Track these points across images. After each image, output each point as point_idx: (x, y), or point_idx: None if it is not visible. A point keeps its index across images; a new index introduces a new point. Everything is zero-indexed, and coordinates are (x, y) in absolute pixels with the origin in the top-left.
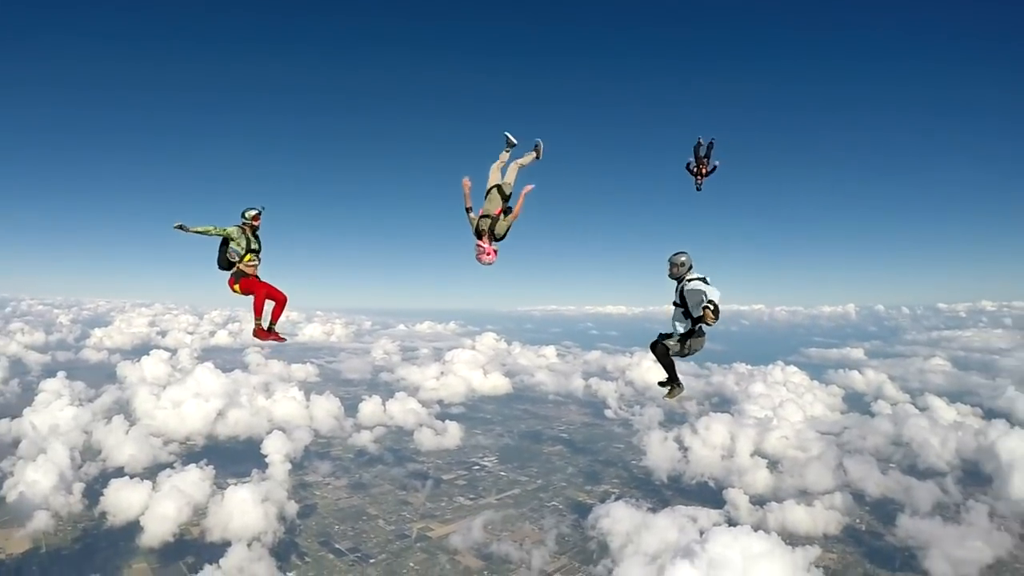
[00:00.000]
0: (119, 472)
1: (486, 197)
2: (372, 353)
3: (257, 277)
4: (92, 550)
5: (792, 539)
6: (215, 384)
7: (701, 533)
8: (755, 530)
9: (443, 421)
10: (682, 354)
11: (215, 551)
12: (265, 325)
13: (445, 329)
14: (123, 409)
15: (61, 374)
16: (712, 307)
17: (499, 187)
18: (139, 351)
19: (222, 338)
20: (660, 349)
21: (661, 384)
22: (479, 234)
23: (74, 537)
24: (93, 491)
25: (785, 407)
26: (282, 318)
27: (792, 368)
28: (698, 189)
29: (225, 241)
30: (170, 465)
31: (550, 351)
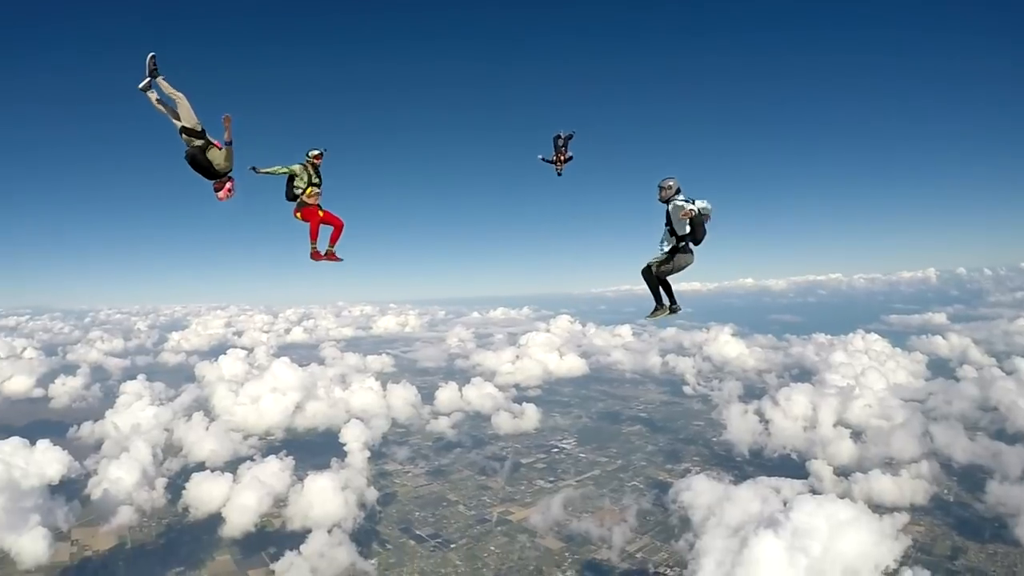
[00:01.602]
0: (200, 467)
1: (226, 148)
2: (447, 341)
3: (319, 207)
4: (176, 544)
5: (878, 510)
6: (292, 378)
7: (785, 503)
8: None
9: (520, 404)
10: (670, 270)
11: (296, 540)
12: (323, 249)
13: (519, 314)
14: (202, 407)
15: (141, 377)
16: (693, 211)
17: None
18: (216, 351)
19: (297, 335)
20: (646, 270)
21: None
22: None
23: (158, 532)
24: (175, 486)
25: (867, 375)
26: (338, 246)
27: (873, 336)
28: (559, 174)
29: (291, 178)
30: (250, 458)
31: (625, 330)
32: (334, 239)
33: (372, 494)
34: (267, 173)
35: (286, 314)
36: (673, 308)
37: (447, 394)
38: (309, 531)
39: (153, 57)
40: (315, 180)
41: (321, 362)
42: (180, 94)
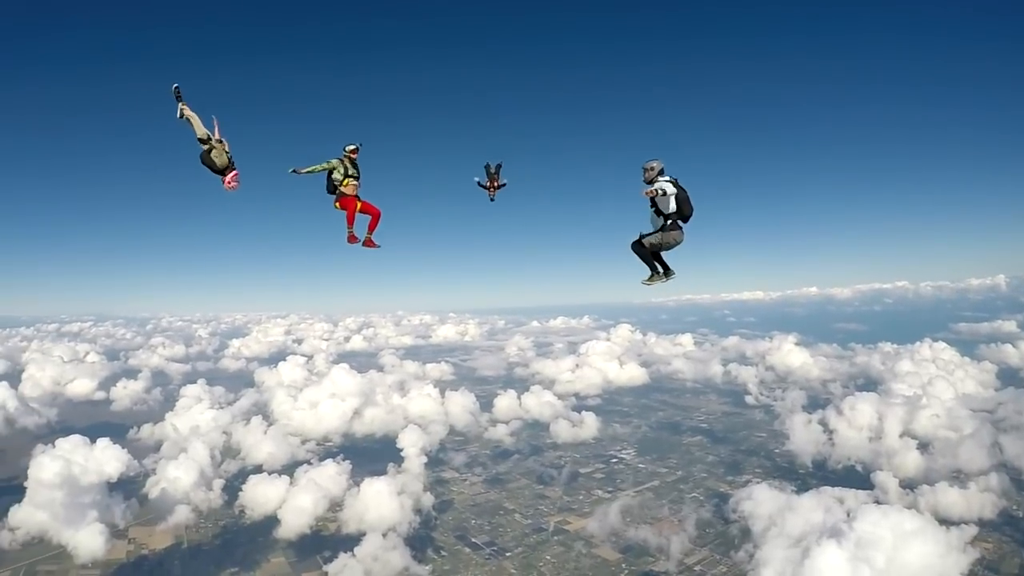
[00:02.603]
0: (257, 469)
1: (217, 143)
2: (506, 350)
3: (356, 197)
4: (232, 545)
5: (945, 524)
6: (351, 384)
7: (848, 514)
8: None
9: (579, 413)
10: (660, 247)
11: (351, 543)
12: (361, 235)
13: (579, 323)
14: (261, 411)
15: (201, 381)
16: (656, 190)
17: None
18: (276, 358)
19: (357, 343)
20: (636, 244)
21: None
22: (223, 170)
23: (214, 533)
24: (232, 487)
25: (935, 385)
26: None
27: (941, 345)
28: (491, 200)
29: (330, 172)
30: (307, 462)
31: (686, 339)
32: (372, 227)
33: (428, 500)
34: (307, 172)
35: (346, 323)
36: (668, 274)
37: (505, 402)
38: (364, 535)
39: (177, 88)
40: (352, 173)
41: (380, 369)
42: (193, 114)
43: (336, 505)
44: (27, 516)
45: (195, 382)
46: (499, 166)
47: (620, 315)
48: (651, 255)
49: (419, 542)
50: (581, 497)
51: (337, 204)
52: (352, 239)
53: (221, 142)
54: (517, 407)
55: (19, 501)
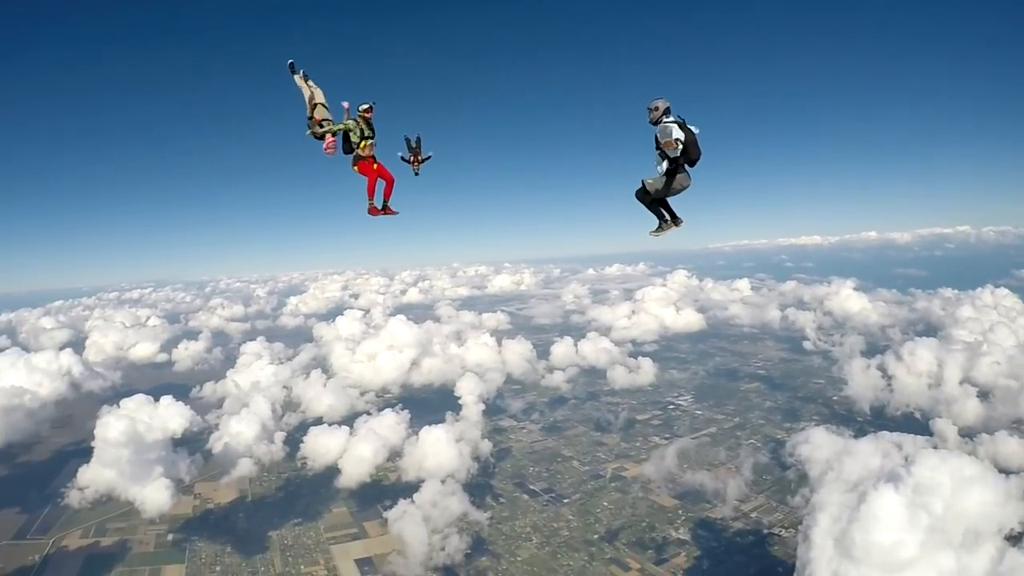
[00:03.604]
0: (318, 421)
1: (314, 108)
2: (562, 298)
3: (373, 158)
4: (294, 496)
5: (1005, 473)
6: (408, 335)
7: (906, 459)
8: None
9: (636, 359)
10: (667, 192)
11: (410, 491)
12: (379, 204)
13: (634, 270)
14: (320, 365)
15: (260, 338)
16: (673, 143)
17: (322, 104)
18: (333, 313)
19: (413, 295)
20: (640, 192)
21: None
22: (320, 136)
23: (277, 485)
24: (293, 440)
25: (996, 332)
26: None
27: (1003, 291)
28: (416, 174)
29: (346, 134)
30: (366, 413)
31: (743, 284)
32: (387, 194)
33: (486, 447)
34: (323, 133)
35: (402, 276)
36: (676, 221)
37: (562, 349)
38: (423, 482)
39: (291, 63)
40: (367, 133)
41: (437, 320)
42: (306, 86)
43: (396, 454)
44: (95, 475)
45: (254, 340)
46: (419, 139)
47: (676, 261)
48: (657, 203)
49: (477, 489)
50: (638, 444)
51: (356, 168)
52: (374, 211)
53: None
54: (574, 354)
55: (87, 462)
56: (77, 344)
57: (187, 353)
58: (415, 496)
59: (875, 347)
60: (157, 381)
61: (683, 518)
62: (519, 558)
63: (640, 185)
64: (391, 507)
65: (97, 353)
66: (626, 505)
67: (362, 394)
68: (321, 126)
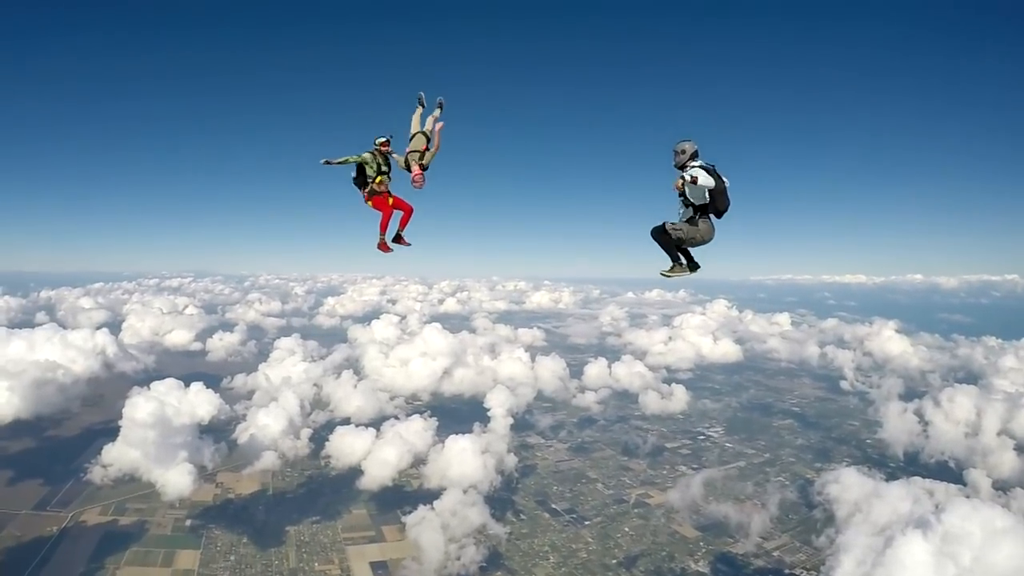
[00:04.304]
0: (345, 421)
1: (411, 139)
2: (599, 319)
3: (388, 193)
4: (315, 494)
5: None
6: (442, 344)
7: (937, 507)
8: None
9: (669, 385)
10: (686, 241)
11: (431, 498)
12: (390, 237)
13: (675, 297)
14: (352, 366)
15: (295, 335)
16: (688, 178)
17: (423, 132)
18: (369, 317)
19: (450, 305)
20: (657, 231)
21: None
22: (408, 167)
23: (299, 482)
24: (319, 437)
25: None
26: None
27: None
28: (366, 202)
29: (361, 166)
30: (395, 417)
31: (783, 318)
32: (404, 223)
33: (512, 461)
34: (338, 164)
35: (440, 286)
36: (692, 266)
37: (596, 370)
38: (445, 491)
39: (421, 96)
40: (384, 168)
41: (472, 331)
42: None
43: (420, 461)
44: (120, 454)
45: (289, 336)
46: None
47: (717, 291)
48: (674, 244)
49: (499, 503)
50: (665, 472)
51: (369, 203)
52: (384, 247)
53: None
54: (607, 376)
55: (113, 442)
56: (114, 326)
57: (221, 344)
58: (435, 503)
59: (913, 392)
60: (189, 369)
61: (704, 550)
62: None
63: (660, 224)
64: (411, 512)
65: (133, 336)
66: (647, 532)
67: (392, 398)
68: (418, 157)
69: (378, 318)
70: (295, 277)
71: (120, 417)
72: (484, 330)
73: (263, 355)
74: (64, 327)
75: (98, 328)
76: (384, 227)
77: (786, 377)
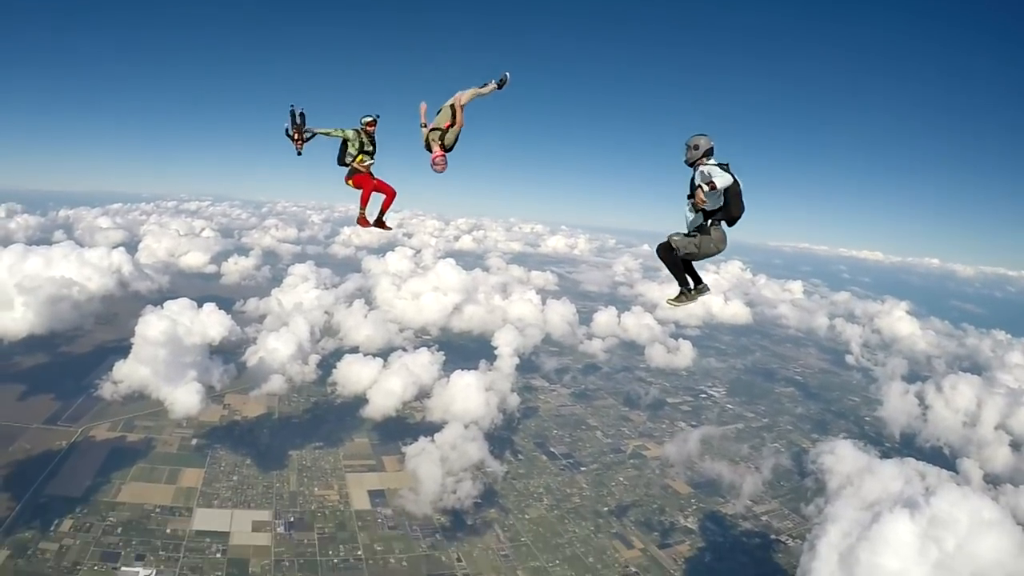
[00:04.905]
0: (354, 350)
1: (437, 113)
2: (613, 268)
3: (370, 175)
4: (320, 421)
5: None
6: (455, 280)
7: (927, 490)
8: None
9: (677, 340)
10: (695, 253)
11: (433, 431)
12: (371, 218)
13: None
14: (364, 296)
15: (310, 262)
16: (707, 187)
17: (451, 105)
18: (384, 249)
19: (466, 243)
20: (664, 247)
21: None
22: (428, 146)
23: (304, 407)
24: (327, 364)
25: None
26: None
27: None
28: (299, 154)
29: (345, 143)
30: (402, 349)
31: (796, 286)
32: (385, 207)
33: (514, 401)
34: (322, 134)
35: (457, 223)
36: (700, 289)
37: (605, 318)
38: (446, 424)
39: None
40: (367, 148)
41: (485, 270)
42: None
43: (424, 394)
44: (131, 371)
45: (304, 263)
46: (303, 114)
47: (733, 252)
48: (681, 263)
49: (498, 441)
50: (664, 426)
51: (349, 181)
52: (363, 222)
53: (424, 127)
54: (615, 325)
55: (125, 359)
56: (130, 246)
57: (236, 268)
58: (436, 436)
59: (917, 374)
60: (203, 291)
61: (694, 507)
62: (527, 516)
63: (665, 240)
64: (411, 444)
65: (149, 256)
66: (641, 484)
67: (401, 330)
68: (441, 136)
69: (393, 250)
70: (313, 205)
71: (132, 335)
72: (497, 269)
73: (277, 280)
74: (81, 246)
75: (115, 247)
76: (364, 202)
77: (793, 345)
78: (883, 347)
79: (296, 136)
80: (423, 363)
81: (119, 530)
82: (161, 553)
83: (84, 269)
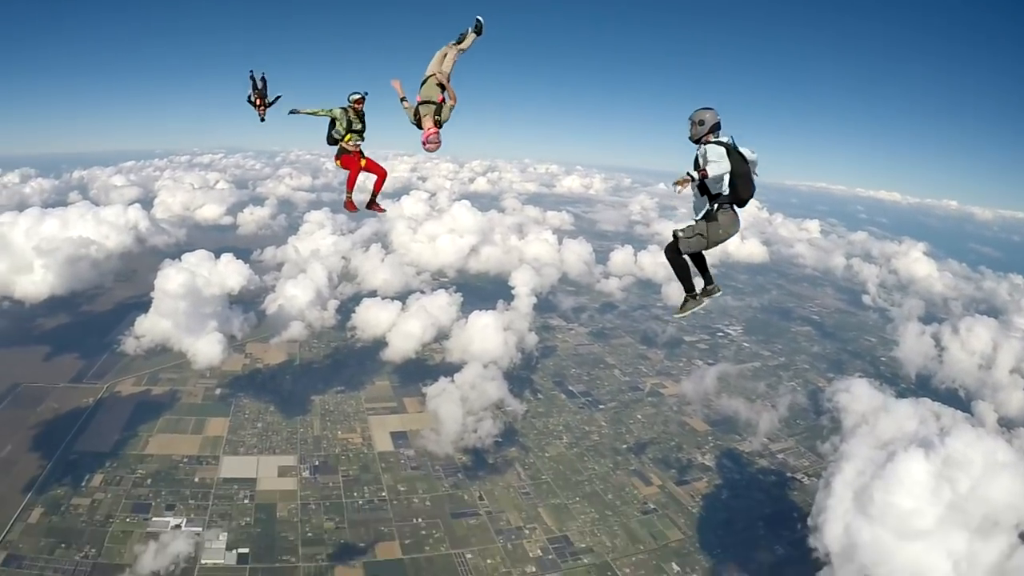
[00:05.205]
0: (372, 294)
1: (422, 85)
2: (629, 207)
3: (361, 153)
4: (340, 365)
5: None
6: (470, 221)
7: (942, 430)
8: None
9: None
10: (703, 244)
11: (452, 372)
12: (354, 197)
13: None
14: (381, 240)
15: (325, 209)
16: (696, 175)
17: (437, 76)
18: (399, 193)
19: (480, 184)
20: (671, 248)
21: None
22: (418, 122)
23: (325, 353)
24: (346, 309)
25: None
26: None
27: None
28: (262, 120)
29: (333, 122)
30: (420, 291)
31: (813, 225)
32: (377, 188)
33: (532, 340)
34: (308, 114)
35: (471, 165)
36: (709, 290)
37: (621, 257)
38: (466, 364)
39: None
40: (356, 127)
41: (501, 211)
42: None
43: (443, 335)
44: (152, 324)
45: (319, 210)
46: (264, 79)
47: None
48: (690, 262)
49: (517, 381)
50: (681, 364)
51: (338, 162)
52: (350, 206)
53: (403, 100)
54: (632, 264)
55: (146, 314)
56: (146, 202)
57: (252, 218)
58: (456, 376)
59: (933, 316)
60: (220, 243)
61: (711, 444)
62: (547, 454)
63: (672, 241)
64: (432, 385)
65: (164, 211)
66: (658, 422)
67: (418, 273)
68: (434, 108)
69: (408, 194)
70: (326, 153)
71: (152, 290)
72: (513, 210)
73: (293, 228)
74: (97, 205)
75: (130, 204)
76: (351, 185)
77: (809, 284)
78: (900, 288)
79: (259, 102)
80: (441, 305)
81: (149, 482)
82: (191, 502)
83: (101, 228)
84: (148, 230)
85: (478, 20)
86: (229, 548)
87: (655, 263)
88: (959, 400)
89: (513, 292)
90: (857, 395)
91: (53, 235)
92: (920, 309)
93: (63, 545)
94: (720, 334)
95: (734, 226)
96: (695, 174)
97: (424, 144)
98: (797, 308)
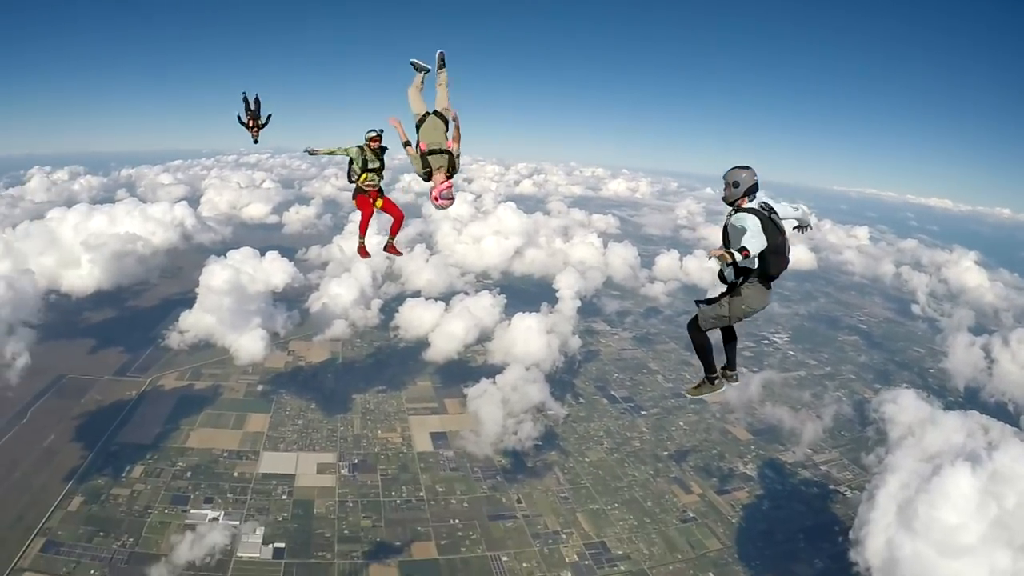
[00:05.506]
0: (416, 295)
1: (420, 128)
2: (675, 211)
3: (380, 192)
4: (383, 365)
5: None
6: (516, 224)
7: (990, 444)
8: None
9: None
10: (727, 319)
11: (495, 373)
12: (369, 243)
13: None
14: (425, 241)
15: None
16: (731, 254)
17: (437, 113)
18: (444, 196)
19: (526, 187)
20: (694, 325)
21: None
22: (428, 175)
23: (368, 352)
24: (389, 308)
25: None
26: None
27: None
28: (255, 141)
29: (351, 162)
30: (464, 292)
31: (862, 232)
32: (394, 231)
33: (575, 344)
34: (324, 154)
35: (517, 167)
36: (727, 376)
37: (667, 261)
38: (508, 366)
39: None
40: (372, 165)
41: (546, 214)
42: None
43: (486, 337)
44: (196, 320)
45: None
46: (257, 99)
47: (797, 196)
48: (709, 344)
49: (559, 384)
50: None
51: (355, 202)
52: (363, 253)
53: (407, 145)
54: (678, 269)
55: (190, 310)
56: (192, 200)
57: (297, 217)
58: (497, 378)
59: (984, 327)
60: (265, 241)
61: (754, 454)
62: (587, 459)
63: (694, 316)
64: (473, 387)
65: (211, 209)
66: (701, 429)
67: (462, 274)
68: (447, 160)
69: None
70: None
71: (197, 286)
72: (558, 213)
73: (338, 228)
74: (144, 202)
75: (177, 202)
76: (363, 229)
77: (857, 292)
78: (950, 297)
79: (251, 123)
80: (484, 306)
81: (188, 474)
82: (229, 496)
83: (147, 224)
84: (194, 227)
85: (440, 54)
86: (265, 542)
87: (701, 268)
88: (1008, 414)
89: (557, 295)
90: (904, 406)
91: (101, 231)
92: (970, 320)
93: (101, 534)
94: (766, 341)
95: (760, 301)
96: (739, 255)
97: (436, 201)
98: (845, 316)
